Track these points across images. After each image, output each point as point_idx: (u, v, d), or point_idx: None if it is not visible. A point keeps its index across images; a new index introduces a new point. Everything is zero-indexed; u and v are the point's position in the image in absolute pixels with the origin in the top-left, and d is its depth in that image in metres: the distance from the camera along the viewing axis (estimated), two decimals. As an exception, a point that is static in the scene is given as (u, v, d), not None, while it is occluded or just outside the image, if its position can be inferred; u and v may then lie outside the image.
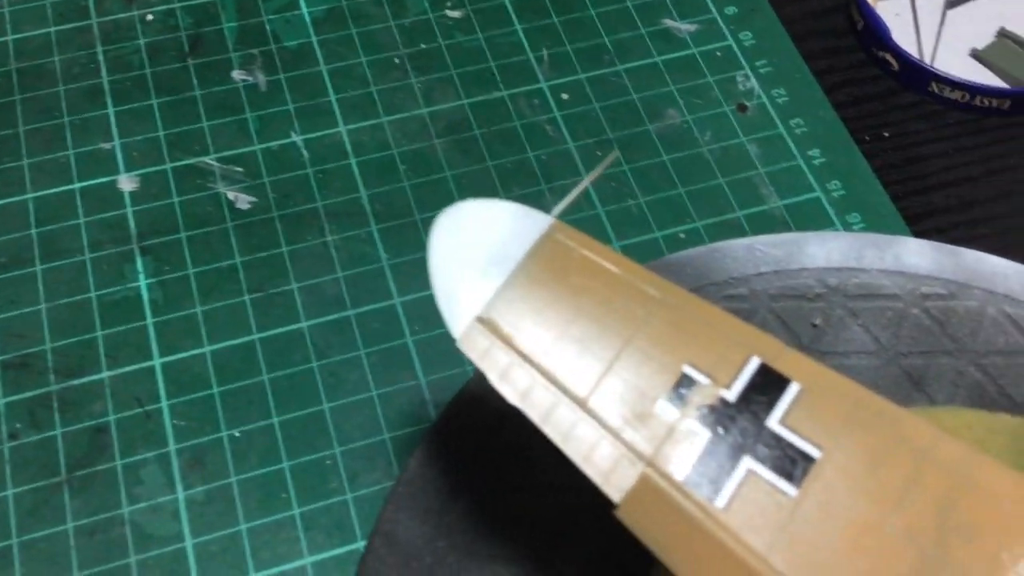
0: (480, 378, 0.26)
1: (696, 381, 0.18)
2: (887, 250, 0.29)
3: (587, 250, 0.19)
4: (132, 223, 0.31)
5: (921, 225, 0.34)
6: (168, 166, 0.33)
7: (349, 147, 0.34)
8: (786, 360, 0.18)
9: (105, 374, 0.28)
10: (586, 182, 0.21)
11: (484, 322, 0.19)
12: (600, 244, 0.19)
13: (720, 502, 0.17)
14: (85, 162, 0.33)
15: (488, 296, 0.19)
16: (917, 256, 0.29)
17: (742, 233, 0.32)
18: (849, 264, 0.29)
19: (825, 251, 0.29)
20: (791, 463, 0.17)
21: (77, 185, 0.32)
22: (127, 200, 0.32)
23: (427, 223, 0.32)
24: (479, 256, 0.19)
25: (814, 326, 0.28)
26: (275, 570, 0.26)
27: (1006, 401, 0.26)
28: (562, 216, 0.20)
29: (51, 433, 0.27)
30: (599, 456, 0.18)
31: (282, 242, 0.31)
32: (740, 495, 0.17)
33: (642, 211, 0.33)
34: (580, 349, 0.18)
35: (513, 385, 0.18)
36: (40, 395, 0.28)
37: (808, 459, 0.17)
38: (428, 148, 0.34)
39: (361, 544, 0.26)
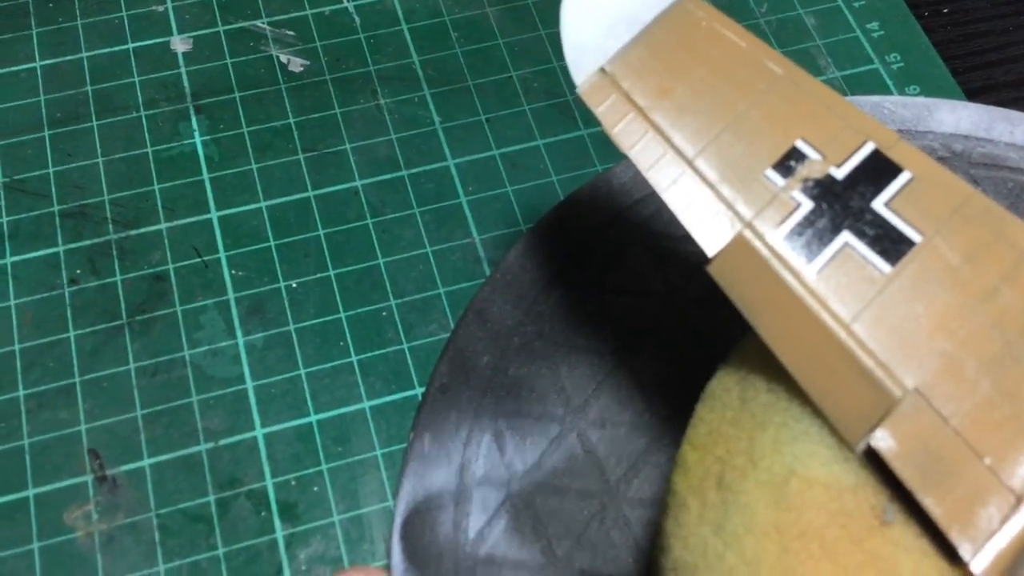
0: (591, 186, 0.27)
1: (806, 155, 0.18)
2: (1019, 125, 0.29)
3: (718, 23, 0.19)
4: (186, 83, 0.31)
5: (982, 99, 0.33)
6: (221, 28, 0.33)
7: (400, 13, 0.33)
8: (901, 150, 0.18)
9: (163, 225, 0.29)
10: None
11: (606, 75, 0.19)
12: (731, 20, 0.20)
13: (812, 269, 0.17)
14: (139, 23, 0.32)
15: (613, 52, 0.19)
16: None
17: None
18: (978, 133, 0.29)
19: (955, 118, 0.29)
20: (890, 242, 0.17)
21: (131, 45, 0.32)
22: (180, 61, 0.32)
23: (480, 89, 0.32)
24: (610, 13, 0.20)
25: None
26: (334, 412, 0.26)
27: None
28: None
29: (111, 279, 0.28)
30: (699, 208, 0.18)
31: (335, 104, 0.31)
32: (833, 265, 0.17)
33: (697, 80, 0.32)
34: (696, 112, 0.19)
35: (627, 136, 0.19)
36: (99, 243, 0.28)
37: (908, 242, 0.17)
38: (481, 16, 0.34)
39: (418, 391, 0.26)
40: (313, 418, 0.26)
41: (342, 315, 0.28)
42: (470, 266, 0.28)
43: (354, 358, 0.27)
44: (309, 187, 0.30)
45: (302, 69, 0.32)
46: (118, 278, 0.28)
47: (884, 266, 0.17)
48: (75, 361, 0.26)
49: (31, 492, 0.25)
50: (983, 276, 0.16)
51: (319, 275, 0.28)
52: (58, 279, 0.28)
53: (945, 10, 0.35)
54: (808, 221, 0.17)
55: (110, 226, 0.28)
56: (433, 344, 0.27)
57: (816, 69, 0.33)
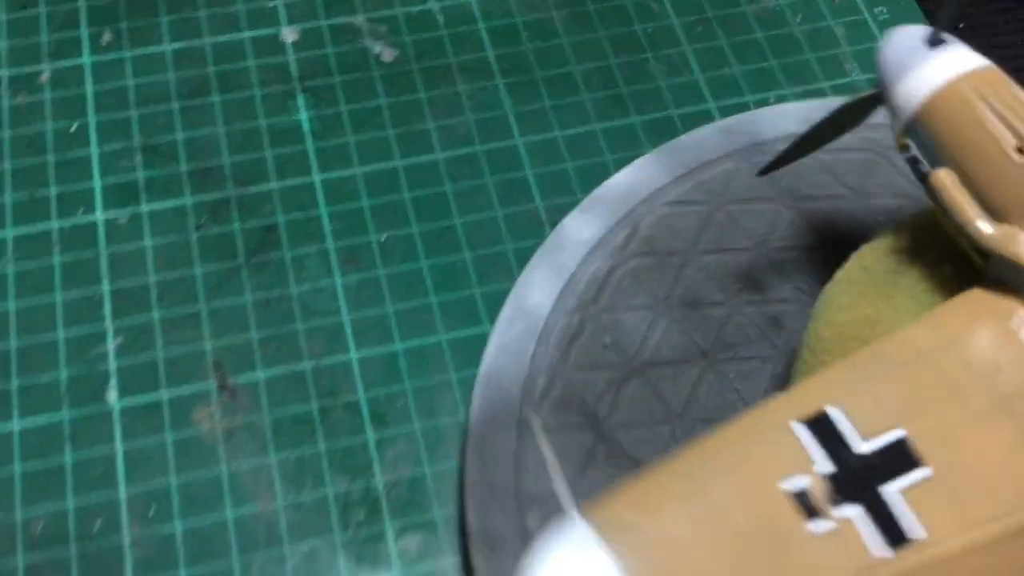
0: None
1: (801, 482, 0.18)
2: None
3: (630, 511, 0.18)
4: (294, 68, 0.36)
5: (990, 103, 0.37)
6: (324, 22, 0.38)
7: (478, 14, 0.38)
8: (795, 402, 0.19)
9: (274, 185, 0.34)
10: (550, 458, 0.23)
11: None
12: (639, 488, 0.18)
13: (921, 535, 0.17)
14: (253, 16, 0.38)
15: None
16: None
17: (825, 99, 0.36)
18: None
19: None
20: (901, 456, 0.18)
21: (247, 34, 0.37)
22: (289, 49, 0.37)
23: (545, 80, 0.37)
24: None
25: None
26: (416, 343, 0.31)
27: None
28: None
29: (230, 228, 0.33)
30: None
31: (420, 89, 0.36)
32: (920, 515, 0.17)
33: (736, 79, 0.37)
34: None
35: None
36: (220, 198, 0.33)
37: (903, 441, 0.18)
38: (547, 18, 0.38)
39: (486, 328, 0.31)
40: (399, 346, 0.31)
41: (423, 264, 0.32)
42: (534, 227, 0.33)
43: (433, 299, 0.32)
44: (397, 157, 0.35)
45: (392, 59, 0.37)
46: (236, 227, 0.33)
47: (925, 471, 0.18)
48: (201, 293, 0.31)
49: (165, 395, 0.29)
50: (947, 405, 0.18)
51: (405, 231, 0.33)
52: (186, 225, 0.33)
53: (960, 25, 0.40)
54: (869, 512, 0.18)
55: (230, 184, 0.34)
56: (500, 290, 0.32)
57: (843, 72, 0.37)
